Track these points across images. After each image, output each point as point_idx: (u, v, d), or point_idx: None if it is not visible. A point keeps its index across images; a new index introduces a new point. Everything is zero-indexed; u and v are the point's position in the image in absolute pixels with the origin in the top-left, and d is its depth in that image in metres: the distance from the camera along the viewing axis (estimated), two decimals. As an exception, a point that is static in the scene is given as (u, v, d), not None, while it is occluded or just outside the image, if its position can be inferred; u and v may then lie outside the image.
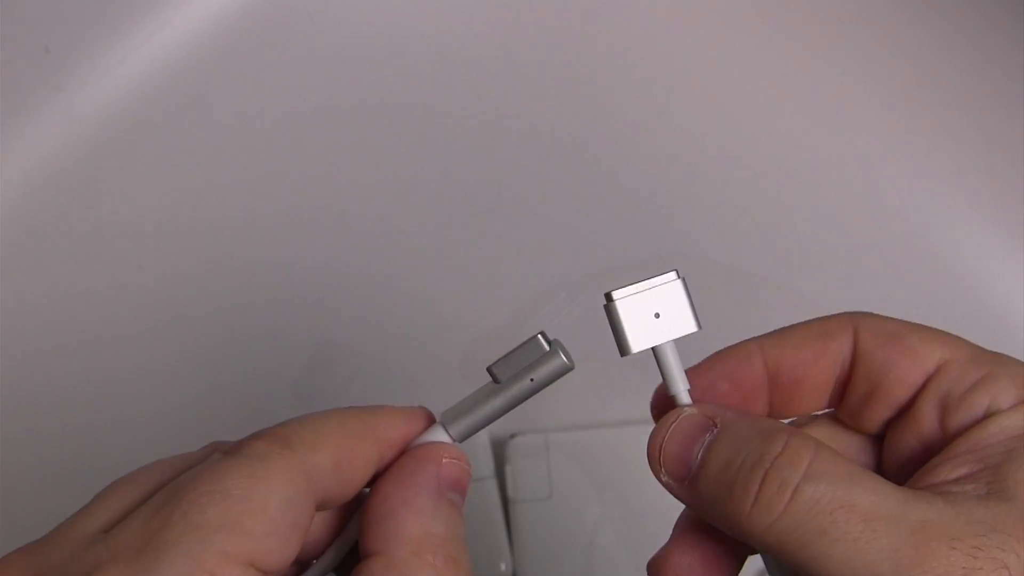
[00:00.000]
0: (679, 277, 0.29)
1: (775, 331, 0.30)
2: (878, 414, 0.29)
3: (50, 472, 0.54)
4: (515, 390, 0.28)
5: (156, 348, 0.56)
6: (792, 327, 0.30)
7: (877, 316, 0.29)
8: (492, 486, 0.54)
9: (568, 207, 0.58)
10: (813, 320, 0.30)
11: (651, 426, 0.29)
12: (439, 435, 0.29)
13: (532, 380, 0.28)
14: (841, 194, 0.58)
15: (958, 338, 0.29)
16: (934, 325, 0.29)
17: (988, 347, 0.29)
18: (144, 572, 0.23)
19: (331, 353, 0.57)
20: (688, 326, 0.28)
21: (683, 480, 0.27)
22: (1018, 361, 0.28)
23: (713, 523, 0.27)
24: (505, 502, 0.54)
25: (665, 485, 0.28)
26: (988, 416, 0.27)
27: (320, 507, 0.27)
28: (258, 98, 0.58)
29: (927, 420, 0.28)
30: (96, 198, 0.57)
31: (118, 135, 0.57)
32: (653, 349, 0.28)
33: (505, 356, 0.28)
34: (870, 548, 0.24)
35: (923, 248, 0.57)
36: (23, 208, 0.56)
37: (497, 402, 0.28)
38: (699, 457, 0.27)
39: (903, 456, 0.29)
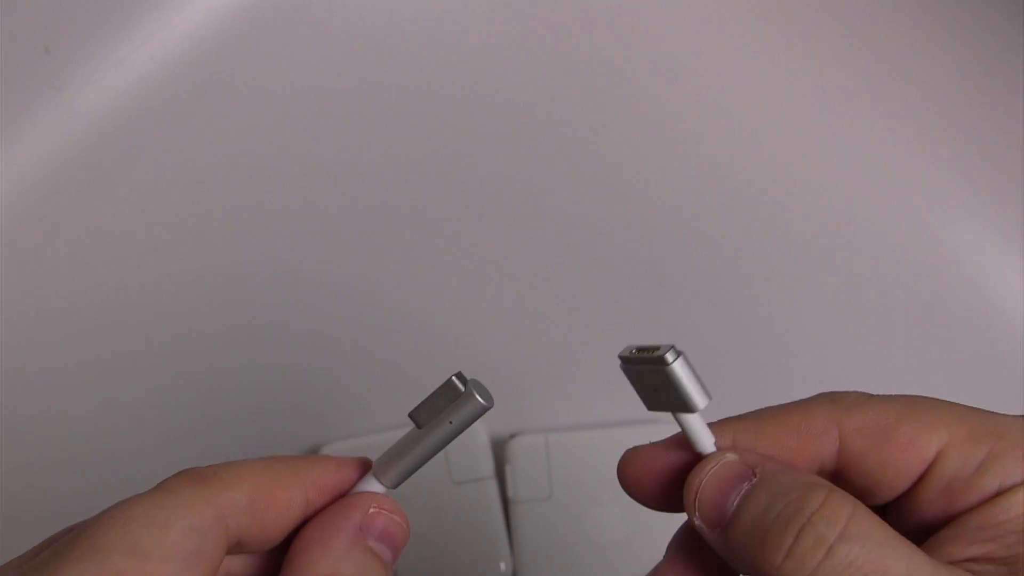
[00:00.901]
0: (671, 362, 0.27)
1: (748, 417, 0.29)
2: (876, 500, 0.28)
3: (50, 472, 0.54)
4: (436, 435, 0.28)
5: (156, 348, 0.56)
6: (770, 415, 0.29)
7: (860, 405, 0.28)
8: (492, 486, 0.54)
9: (571, 211, 0.58)
10: (792, 409, 0.28)
11: (652, 426, 0.29)
12: (371, 485, 0.29)
13: (451, 423, 0.28)
14: (841, 195, 0.58)
15: (952, 411, 0.27)
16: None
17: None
18: None
19: (333, 354, 0.57)
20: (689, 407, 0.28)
21: (716, 527, 0.27)
22: (1021, 424, 0.27)
23: (741, 571, 0.27)
24: (505, 502, 0.54)
25: (698, 528, 0.27)
26: (999, 494, 0.26)
27: (240, 548, 0.27)
28: (259, 98, 0.58)
29: (932, 511, 0.27)
30: (96, 198, 0.57)
31: (118, 135, 0.57)
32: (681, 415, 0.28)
33: (425, 400, 0.28)
34: None
35: (923, 248, 0.57)
36: (23, 208, 0.56)
37: (419, 449, 0.28)
38: (735, 505, 0.27)
39: (906, 527, 0.28)
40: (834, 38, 0.60)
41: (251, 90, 0.58)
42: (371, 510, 0.28)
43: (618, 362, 0.28)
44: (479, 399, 0.27)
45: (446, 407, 0.27)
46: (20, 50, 0.56)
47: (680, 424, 0.28)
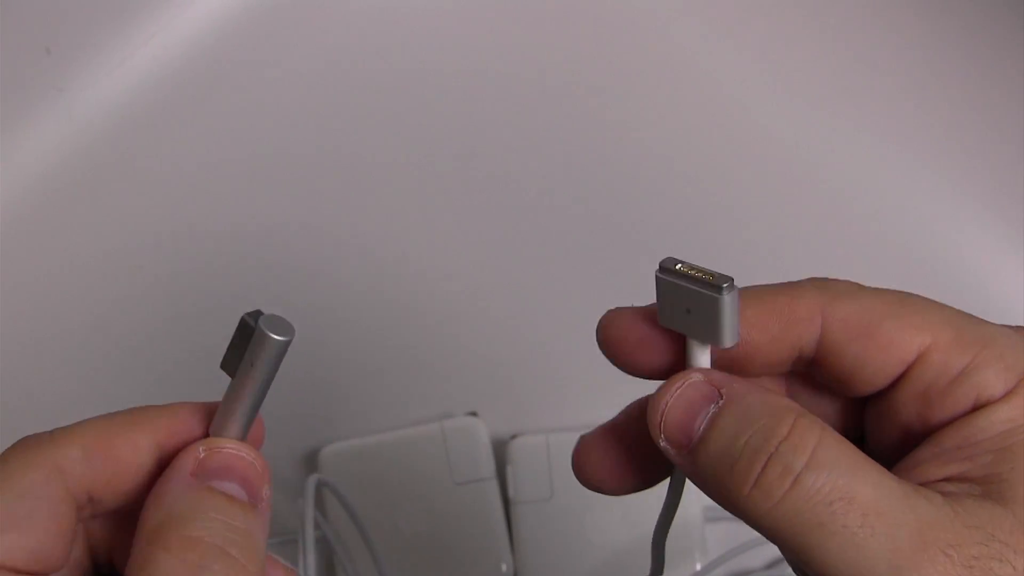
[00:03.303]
0: (726, 292, 0.26)
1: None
2: (852, 392, 0.28)
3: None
4: (247, 382, 0.26)
5: (156, 348, 0.56)
6: (755, 296, 0.27)
7: (848, 294, 0.27)
8: (493, 487, 0.54)
9: (575, 213, 0.58)
10: (779, 291, 0.27)
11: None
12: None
13: (252, 365, 0.25)
14: (841, 195, 0.58)
15: (940, 313, 0.27)
16: None
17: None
18: None
19: (332, 354, 0.57)
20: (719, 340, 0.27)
21: (683, 449, 0.26)
22: (1009, 334, 0.27)
23: (707, 494, 0.26)
24: (506, 503, 0.54)
25: (663, 450, 0.27)
26: (976, 408, 0.26)
27: (97, 504, 0.27)
28: (259, 98, 0.58)
29: (907, 413, 0.27)
30: (96, 198, 0.57)
31: (119, 135, 0.57)
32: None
33: (228, 347, 0.26)
34: (867, 546, 0.23)
35: (923, 248, 0.57)
36: (23, 208, 0.56)
37: (238, 401, 0.26)
38: (702, 429, 0.26)
39: (883, 440, 0.28)
40: (834, 37, 0.60)
41: (252, 90, 0.58)
42: (201, 452, 0.26)
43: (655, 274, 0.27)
44: (271, 335, 0.25)
45: (246, 350, 0.25)
46: (21, 50, 0.56)
47: (689, 348, 0.27)
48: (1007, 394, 0.26)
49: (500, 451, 0.55)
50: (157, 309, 0.57)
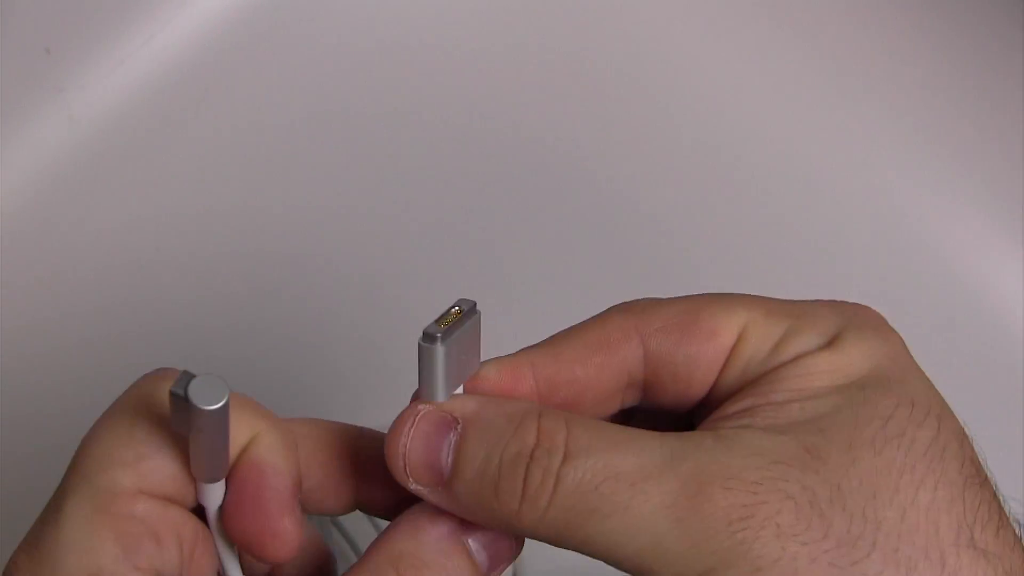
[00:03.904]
0: (477, 309, 0.26)
1: (546, 342, 0.27)
2: (693, 398, 0.27)
3: (49, 474, 0.54)
4: (202, 442, 0.24)
5: (156, 348, 0.56)
6: (567, 336, 0.27)
7: (655, 307, 0.26)
8: (492, 486, 0.54)
9: (572, 217, 0.58)
10: (587, 326, 0.27)
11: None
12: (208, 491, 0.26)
13: (201, 431, 0.24)
14: (840, 195, 0.58)
15: (749, 297, 0.26)
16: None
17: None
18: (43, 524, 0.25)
19: (333, 354, 0.57)
20: (475, 364, 0.26)
21: (438, 486, 0.25)
22: (818, 305, 0.26)
23: (477, 521, 0.25)
24: (505, 502, 0.54)
25: (415, 492, 0.25)
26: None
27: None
28: (260, 99, 0.58)
29: (734, 391, 0.26)
30: (96, 198, 0.57)
31: (118, 136, 0.57)
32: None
33: (171, 412, 0.24)
34: (642, 512, 0.23)
35: (923, 248, 0.57)
36: (23, 208, 0.56)
37: (198, 459, 0.25)
38: (449, 461, 0.25)
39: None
40: (834, 38, 0.60)
41: (252, 91, 0.58)
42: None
43: None
44: (203, 408, 0.23)
45: (187, 417, 0.23)
46: (21, 51, 0.56)
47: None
48: (819, 349, 0.25)
49: (499, 451, 0.55)
50: (157, 309, 0.57)
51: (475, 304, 0.26)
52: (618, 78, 0.59)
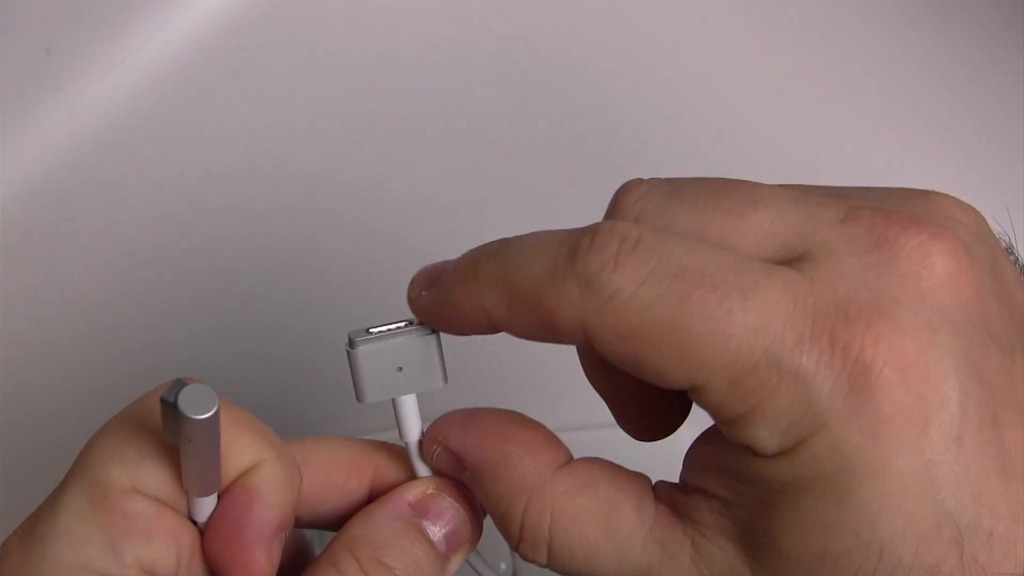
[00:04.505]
0: (433, 331, 0.27)
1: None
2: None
3: (49, 474, 0.54)
4: (192, 451, 0.24)
5: (156, 349, 0.56)
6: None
7: (610, 303, 0.23)
8: (492, 486, 0.54)
9: (575, 209, 0.58)
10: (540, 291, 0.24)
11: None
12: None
13: (191, 440, 0.23)
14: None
15: (716, 346, 0.22)
16: None
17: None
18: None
19: (332, 353, 0.57)
20: (434, 382, 0.27)
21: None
22: (793, 382, 0.22)
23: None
24: (505, 502, 0.54)
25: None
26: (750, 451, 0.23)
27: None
28: (260, 99, 0.58)
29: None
30: (96, 198, 0.57)
31: (118, 135, 0.57)
32: (392, 400, 0.28)
33: (162, 420, 0.24)
34: None
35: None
36: (23, 208, 0.56)
37: (191, 467, 0.25)
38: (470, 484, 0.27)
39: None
40: (834, 38, 0.60)
41: (252, 91, 0.58)
42: (430, 489, 0.27)
43: None
44: (193, 417, 0.23)
45: (177, 425, 0.23)
46: (20, 50, 0.56)
47: (403, 409, 0.28)
48: (777, 455, 0.22)
49: (499, 451, 0.55)
50: (157, 309, 0.57)
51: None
52: (617, 78, 0.59)
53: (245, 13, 0.58)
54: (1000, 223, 0.30)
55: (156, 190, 0.58)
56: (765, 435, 0.22)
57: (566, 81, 0.59)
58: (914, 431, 0.21)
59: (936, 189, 0.28)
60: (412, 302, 0.27)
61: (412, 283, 0.27)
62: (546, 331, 0.24)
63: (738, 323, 0.22)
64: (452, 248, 0.29)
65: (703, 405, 0.23)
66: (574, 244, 0.24)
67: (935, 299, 0.22)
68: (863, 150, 0.58)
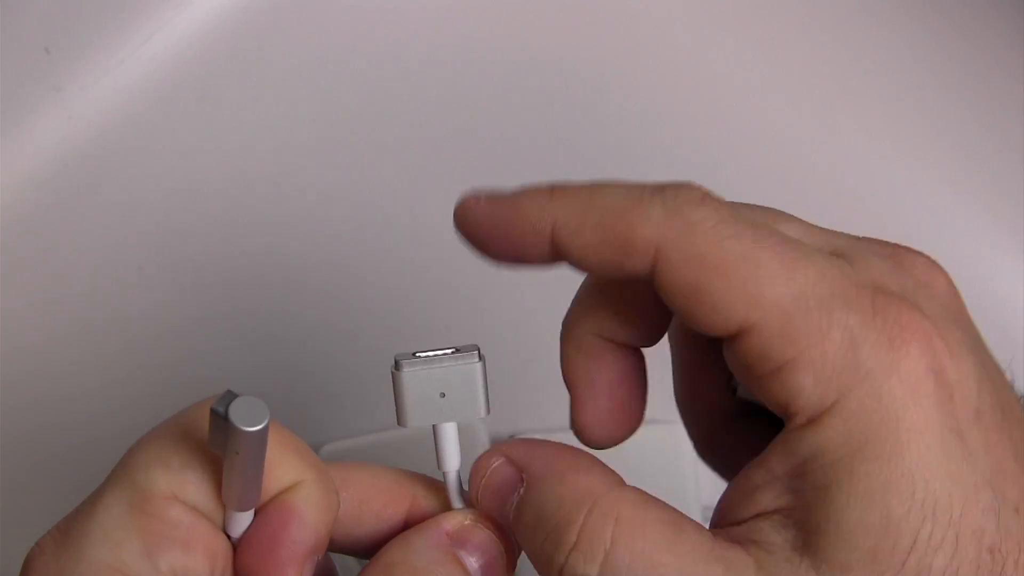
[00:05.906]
0: (480, 359, 0.28)
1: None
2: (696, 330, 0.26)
3: (50, 474, 0.54)
4: (237, 465, 0.24)
5: (157, 349, 0.56)
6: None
7: (688, 234, 0.24)
8: (492, 486, 0.54)
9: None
10: (623, 211, 0.25)
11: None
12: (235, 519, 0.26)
13: (238, 453, 0.23)
14: (839, 194, 0.58)
15: (772, 288, 0.24)
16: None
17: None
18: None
19: (332, 353, 0.57)
20: (476, 412, 0.28)
21: (507, 524, 0.27)
22: (837, 336, 0.23)
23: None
24: (505, 502, 0.54)
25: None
26: (796, 422, 0.24)
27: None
28: (259, 99, 0.58)
29: (742, 376, 0.25)
30: (96, 198, 0.57)
31: (118, 135, 0.57)
32: (433, 427, 0.28)
33: (210, 431, 0.24)
34: None
35: (922, 248, 0.57)
36: (23, 208, 0.56)
37: (237, 477, 0.25)
38: (511, 513, 0.26)
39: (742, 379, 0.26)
40: (833, 38, 0.60)
41: (252, 91, 0.58)
42: (468, 520, 0.27)
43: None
44: (244, 429, 0.23)
45: (225, 436, 0.23)
46: (20, 50, 0.56)
47: (444, 437, 0.28)
48: (821, 415, 0.23)
49: (499, 450, 0.55)
50: (157, 309, 0.57)
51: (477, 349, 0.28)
52: (618, 78, 0.59)
53: (245, 13, 0.58)
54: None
55: (156, 190, 0.58)
56: (810, 384, 0.23)
57: (571, 86, 0.59)
58: (945, 394, 0.23)
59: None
60: (467, 211, 0.27)
61: (464, 196, 0.27)
62: (615, 249, 0.25)
63: (801, 271, 0.24)
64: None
65: (746, 355, 0.24)
66: (661, 184, 0.25)
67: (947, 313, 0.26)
68: (863, 150, 0.58)
